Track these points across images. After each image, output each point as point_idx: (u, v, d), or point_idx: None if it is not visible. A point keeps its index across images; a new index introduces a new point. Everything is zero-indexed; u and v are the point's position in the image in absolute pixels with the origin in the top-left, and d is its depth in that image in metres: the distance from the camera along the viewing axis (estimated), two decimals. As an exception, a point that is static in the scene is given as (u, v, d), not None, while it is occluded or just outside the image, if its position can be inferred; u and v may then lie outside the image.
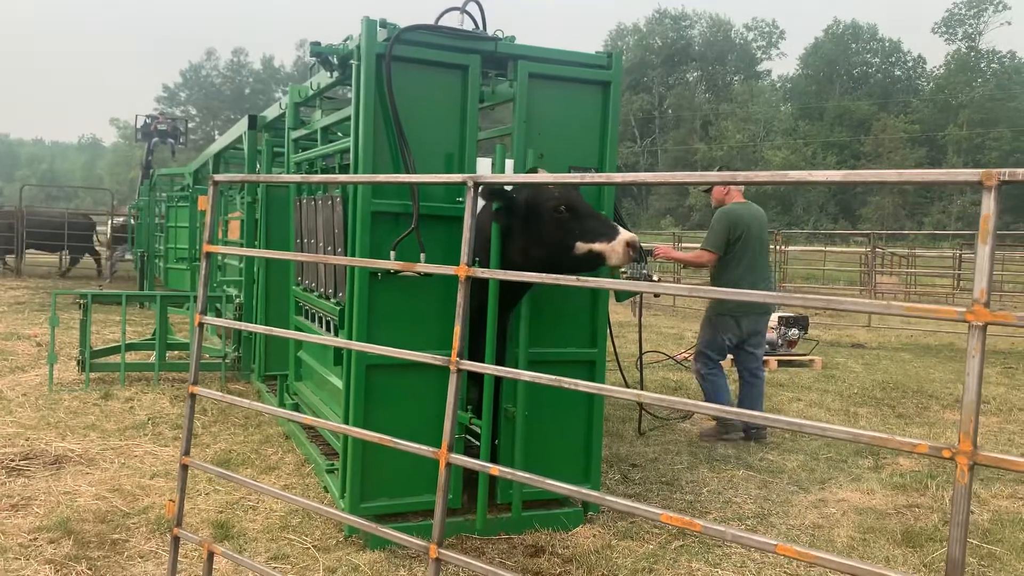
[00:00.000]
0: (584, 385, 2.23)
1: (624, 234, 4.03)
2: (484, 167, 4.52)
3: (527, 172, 4.35)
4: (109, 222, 21.24)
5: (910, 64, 71.13)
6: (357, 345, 3.08)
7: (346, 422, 4.18)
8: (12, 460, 5.24)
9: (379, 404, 4.23)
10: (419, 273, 3.98)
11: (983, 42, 66.44)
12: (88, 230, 21.06)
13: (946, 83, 63.86)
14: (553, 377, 2.25)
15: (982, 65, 65.02)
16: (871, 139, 61.37)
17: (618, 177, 2.34)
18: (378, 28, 4.12)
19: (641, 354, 6.86)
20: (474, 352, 4.21)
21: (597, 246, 4.04)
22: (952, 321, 1.74)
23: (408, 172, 4.09)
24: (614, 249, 4.01)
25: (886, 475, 5.71)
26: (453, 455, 2.44)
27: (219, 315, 9.26)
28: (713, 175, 2.10)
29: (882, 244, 23.51)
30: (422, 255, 4.10)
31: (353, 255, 4.21)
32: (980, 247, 1.71)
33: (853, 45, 70.57)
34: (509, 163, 4.46)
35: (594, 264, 4.12)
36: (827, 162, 61.11)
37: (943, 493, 5.32)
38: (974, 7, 66.49)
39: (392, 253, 4.09)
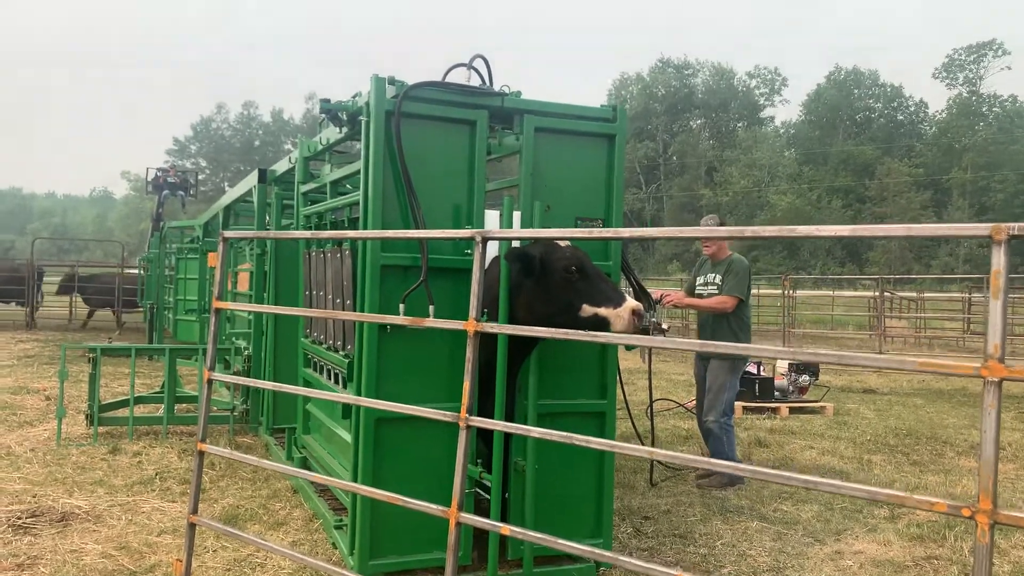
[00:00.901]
0: (596, 442, 2.21)
1: (630, 302, 4.04)
2: (492, 220, 4.54)
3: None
4: (120, 275, 21.36)
5: (912, 109, 71.78)
6: (366, 401, 3.06)
7: (355, 477, 4.14)
8: (19, 518, 5.20)
9: (389, 457, 4.19)
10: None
11: (984, 87, 67.13)
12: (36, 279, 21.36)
13: (948, 127, 64.37)
14: (564, 434, 2.23)
15: (984, 109, 65.60)
16: (876, 183, 61.67)
17: (625, 232, 2.35)
18: (387, 85, 4.18)
19: (651, 402, 6.81)
20: (484, 404, 4.19)
21: (603, 311, 4.03)
22: (967, 377, 1.73)
23: (417, 226, 4.12)
24: (619, 315, 3.99)
25: (903, 525, 5.61)
26: (463, 514, 2.41)
27: (228, 367, 9.26)
28: (722, 230, 2.11)
29: (890, 288, 23.46)
30: (431, 308, 4.11)
31: (362, 308, 4.22)
32: (992, 303, 1.70)
33: (855, 91, 71.29)
34: (516, 215, 4.49)
35: (597, 327, 4.07)
36: (832, 206, 61.37)
37: (962, 544, 5.22)
38: (974, 53, 67.28)
39: (401, 306, 4.10)
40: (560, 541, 2.18)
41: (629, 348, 6.31)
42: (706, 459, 1.99)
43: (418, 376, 4.26)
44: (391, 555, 4.20)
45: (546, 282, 4.16)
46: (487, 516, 4.20)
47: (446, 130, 4.31)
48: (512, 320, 4.22)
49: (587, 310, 4.05)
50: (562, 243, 4.25)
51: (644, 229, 2.21)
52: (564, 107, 4.63)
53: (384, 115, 4.13)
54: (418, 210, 4.15)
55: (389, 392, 4.15)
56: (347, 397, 4.01)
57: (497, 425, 2.48)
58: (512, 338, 4.23)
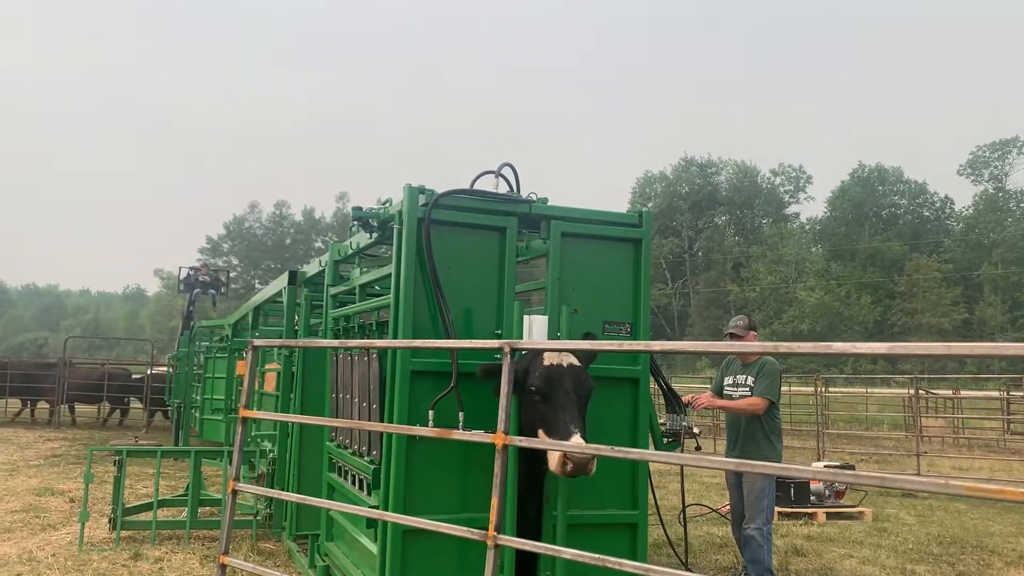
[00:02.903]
0: (628, 565, 2.13)
1: (569, 444, 3.58)
2: (540, 324, 4.49)
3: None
4: (148, 373, 21.54)
5: (938, 205, 71.88)
6: (392, 517, 2.99)
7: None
8: (36, 628, 5.09)
9: (415, 570, 4.08)
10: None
11: (1010, 183, 67.30)
12: None
13: (976, 223, 64.29)
14: (597, 556, 2.16)
15: (1011, 205, 65.56)
16: (905, 279, 61.28)
17: (656, 345, 2.32)
18: (418, 194, 4.26)
19: (684, 508, 6.62)
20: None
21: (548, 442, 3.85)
22: (1019, 503, 1.65)
23: (447, 331, 4.13)
24: (552, 453, 3.76)
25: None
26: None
27: (253, 468, 9.17)
28: (755, 345, 2.08)
29: (925, 386, 22.99)
30: (460, 415, 4.07)
31: (391, 412, 4.19)
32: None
33: (879, 187, 71.66)
34: (543, 319, 4.48)
35: (543, 453, 3.94)
36: (861, 302, 60.90)
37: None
38: (998, 150, 67.76)
39: (431, 412, 4.07)
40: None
41: (659, 449, 6.20)
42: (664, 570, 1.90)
43: (446, 482, 4.20)
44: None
45: (522, 397, 4.08)
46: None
47: (477, 236, 4.37)
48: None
49: (541, 435, 3.90)
50: (553, 356, 4.06)
51: (675, 343, 2.18)
52: (590, 213, 4.68)
53: (416, 223, 4.20)
54: (447, 314, 4.17)
55: (417, 499, 4.08)
56: (373, 512, 3.92)
57: (527, 545, 2.40)
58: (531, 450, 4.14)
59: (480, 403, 4.20)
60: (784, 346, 2.01)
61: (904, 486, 1.63)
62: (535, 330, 4.45)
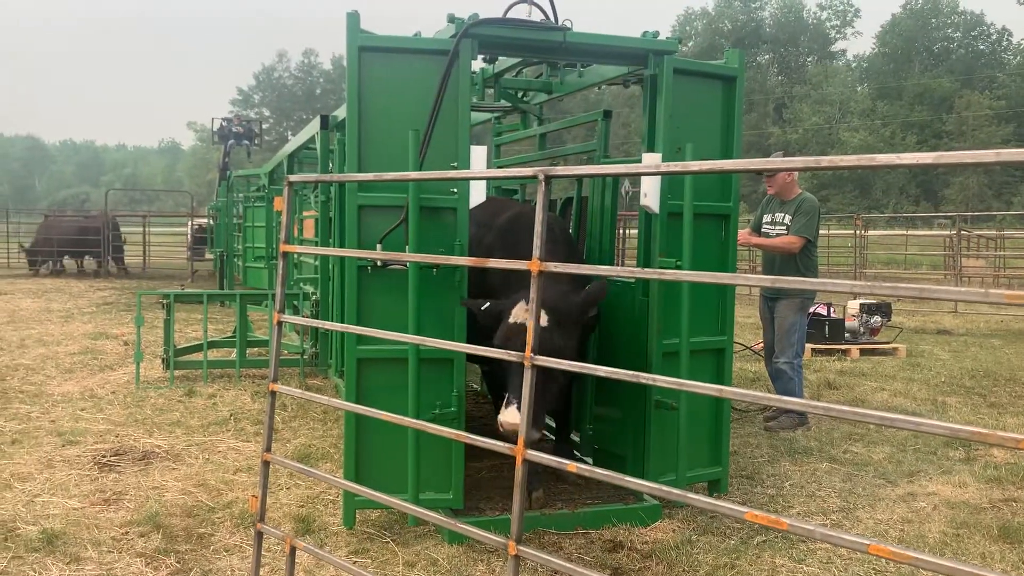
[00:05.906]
0: (663, 380, 2.17)
1: (508, 412, 3.77)
2: (478, 156, 4.21)
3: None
4: (190, 223, 21.90)
5: (994, 37, 68.08)
6: (428, 341, 3.06)
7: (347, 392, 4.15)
8: (104, 456, 5.44)
9: (374, 400, 4.10)
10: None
11: (1074, 11, 63.29)
12: None
13: (1034, 55, 61.04)
14: (631, 372, 2.20)
15: (1073, 35, 61.95)
16: (954, 117, 59.03)
17: (694, 165, 2.27)
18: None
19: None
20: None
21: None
22: (1059, 309, 1.64)
23: (422, 168, 4.07)
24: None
25: (979, 467, 5.47)
26: (530, 452, 2.41)
27: (296, 312, 9.45)
28: (797, 161, 2.02)
29: (967, 226, 22.60)
30: (406, 248, 4.06)
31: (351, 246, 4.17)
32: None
33: (933, 20, 67.89)
34: (655, 156, 4.37)
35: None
36: (907, 143, 59.06)
37: (1042, 486, 5.07)
38: (1062, -26, 63.29)
39: (379, 246, 4.07)
40: (627, 478, 2.17)
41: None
42: (778, 397, 1.95)
43: (393, 321, 4.18)
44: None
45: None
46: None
47: (427, 63, 4.12)
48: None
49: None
50: (520, 313, 3.98)
51: (712, 163, 2.13)
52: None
53: (357, 52, 4.04)
54: (425, 151, 4.07)
55: (375, 325, 4.09)
56: (345, 327, 4.00)
57: (562, 364, 2.44)
58: None
59: (436, 240, 4.13)
60: (827, 160, 1.95)
61: (941, 296, 1.61)
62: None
